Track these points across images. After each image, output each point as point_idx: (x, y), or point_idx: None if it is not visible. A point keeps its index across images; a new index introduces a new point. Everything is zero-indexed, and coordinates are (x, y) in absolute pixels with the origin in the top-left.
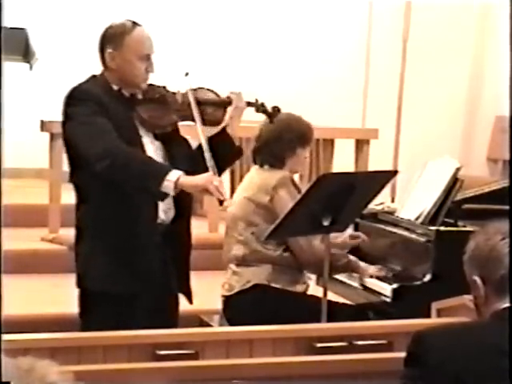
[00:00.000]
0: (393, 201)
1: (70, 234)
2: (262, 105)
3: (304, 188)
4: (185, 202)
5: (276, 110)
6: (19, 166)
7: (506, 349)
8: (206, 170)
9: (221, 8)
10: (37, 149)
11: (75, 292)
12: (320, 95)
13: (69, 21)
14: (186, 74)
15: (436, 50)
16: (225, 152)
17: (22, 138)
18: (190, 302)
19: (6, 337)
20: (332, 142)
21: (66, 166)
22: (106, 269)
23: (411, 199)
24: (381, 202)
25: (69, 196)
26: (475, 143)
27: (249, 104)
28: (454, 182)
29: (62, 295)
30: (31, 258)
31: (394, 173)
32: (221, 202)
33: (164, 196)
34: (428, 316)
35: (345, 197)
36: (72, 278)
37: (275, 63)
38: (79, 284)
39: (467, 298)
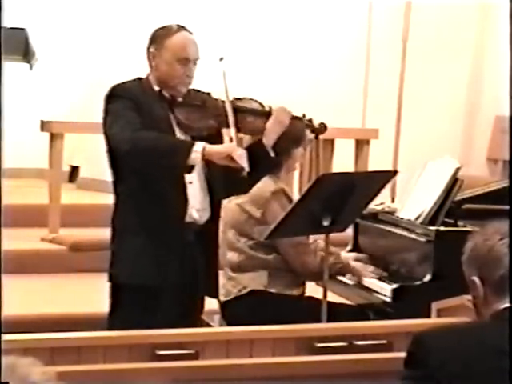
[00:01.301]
0: (393, 201)
1: (69, 234)
2: (310, 121)
3: (304, 188)
4: (218, 206)
5: (323, 126)
6: (19, 166)
7: (506, 349)
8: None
9: (221, 8)
10: (37, 149)
11: (75, 292)
12: (320, 95)
13: (69, 21)
14: (221, 59)
15: (436, 50)
16: (259, 162)
17: (22, 137)
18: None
19: (5, 337)
20: (332, 141)
21: (66, 166)
22: (135, 263)
23: (411, 199)
24: (381, 202)
25: (69, 196)
26: (475, 143)
27: (294, 118)
28: (454, 182)
29: (62, 295)
30: (31, 258)
31: (394, 173)
32: (242, 170)
33: (191, 169)
34: (428, 316)
35: (345, 197)
36: (72, 278)
37: (275, 63)
38: (110, 277)
39: (467, 298)
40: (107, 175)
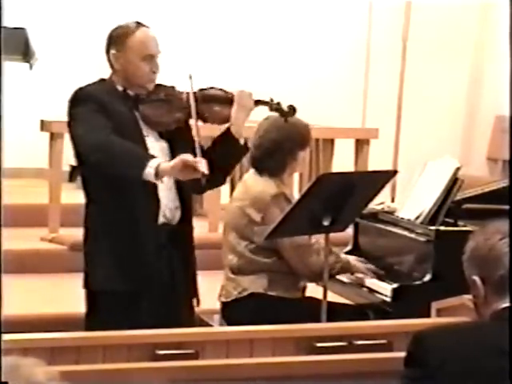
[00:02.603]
0: (393, 201)
1: (69, 233)
2: (278, 104)
3: (304, 188)
4: (189, 203)
5: (292, 109)
6: (19, 166)
7: (506, 349)
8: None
9: (220, 7)
10: (37, 149)
11: (75, 292)
12: (320, 95)
13: (69, 21)
14: (190, 77)
15: (436, 50)
16: (229, 151)
17: (22, 137)
18: (197, 304)
19: (5, 337)
20: (332, 141)
21: (65, 166)
22: (109, 268)
23: (411, 199)
24: (381, 201)
25: (69, 196)
26: (475, 143)
27: (263, 103)
28: (454, 182)
29: (61, 295)
30: (31, 258)
31: (394, 173)
32: (202, 177)
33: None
34: (428, 316)
35: (345, 197)
36: (72, 278)
37: (275, 63)
38: (85, 284)
39: (467, 298)
40: None
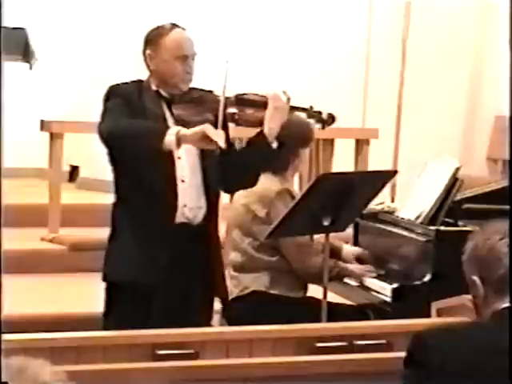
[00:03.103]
0: (393, 201)
1: (69, 233)
2: (320, 113)
3: (304, 188)
4: (215, 203)
5: (331, 117)
6: (19, 166)
7: (506, 349)
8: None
9: (220, 7)
10: (37, 149)
11: (75, 292)
12: (320, 95)
13: (69, 21)
14: (226, 62)
15: (436, 50)
16: (261, 153)
17: (21, 137)
18: (223, 304)
19: (5, 337)
20: (332, 141)
21: (66, 166)
22: (126, 261)
23: (411, 199)
24: (381, 201)
25: (69, 196)
26: (475, 143)
27: (301, 109)
28: (454, 182)
29: (61, 295)
30: (31, 257)
31: (394, 173)
32: (216, 148)
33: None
34: (428, 316)
35: (345, 197)
36: (72, 278)
37: (275, 63)
38: (104, 277)
39: (467, 298)
40: (107, 175)
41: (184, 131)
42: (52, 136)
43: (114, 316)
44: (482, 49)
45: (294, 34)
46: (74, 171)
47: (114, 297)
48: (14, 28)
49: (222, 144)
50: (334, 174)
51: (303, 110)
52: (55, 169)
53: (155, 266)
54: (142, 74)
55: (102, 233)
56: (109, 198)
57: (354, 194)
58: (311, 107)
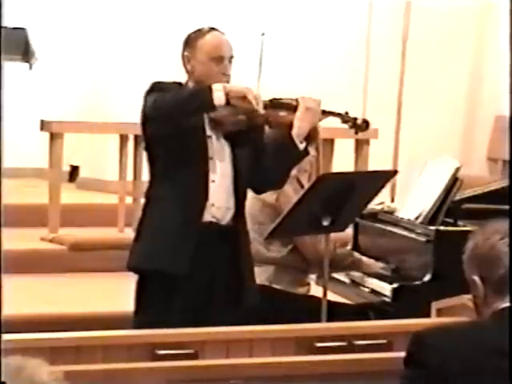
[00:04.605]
0: (393, 201)
1: (69, 233)
2: (355, 118)
3: (304, 188)
4: (244, 204)
5: (365, 122)
6: (19, 166)
7: (506, 349)
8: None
9: (220, 7)
10: (37, 149)
11: (75, 292)
12: (320, 95)
13: (69, 21)
14: (263, 34)
15: (436, 50)
16: (288, 154)
17: (21, 137)
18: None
19: (5, 337)
20: (332, 141)
21: (66, 166)
22: (151, 250)
23: (411, 199)
24: (381, 201)
25: (69, 196)
26: (475, 143)
27: (335, 114)
28: (454, 182)
29: (61, 295)
30: (31, 257)
31: (394, 173)
32: (254, 112)
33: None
34: (428, 316)
35: (345, 197)
36: (72, 278)
37: (275, 63)
38: (129, 266)
39: (467, 298)
40: (107, 175)
41: (229, 86)
42: (52, 136)
43: (142, 308)
44: (482, 49)
45: (294, 34)
46: (73, 171)
47: (141, 287)
48: (14, 28)
49: (261, 110)
50: (334, 174)
51: (338, 114)
52: (55, 169)
53: (182, 257)
54: (142, 74)
55: (102, 233)
56: (109, 198)
57: (354, 194)
58: (346, 112)
